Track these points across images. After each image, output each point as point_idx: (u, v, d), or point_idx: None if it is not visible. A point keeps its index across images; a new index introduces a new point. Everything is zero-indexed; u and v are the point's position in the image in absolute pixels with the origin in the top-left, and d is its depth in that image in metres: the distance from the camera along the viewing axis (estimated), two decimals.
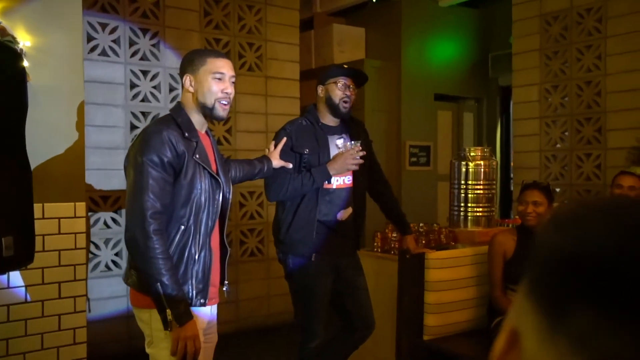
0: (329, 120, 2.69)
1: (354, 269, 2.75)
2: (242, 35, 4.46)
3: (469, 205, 3.56)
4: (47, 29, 2.77)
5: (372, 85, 5.77)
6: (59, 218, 2.81)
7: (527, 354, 0.40)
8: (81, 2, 2.90)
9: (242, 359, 3.82)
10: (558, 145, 4.47)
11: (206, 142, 2.05)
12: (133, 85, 3.97)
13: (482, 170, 3.55)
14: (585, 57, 4.25)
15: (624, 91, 4.04)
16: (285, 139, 2.58)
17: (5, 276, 2.65)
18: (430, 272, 2.97)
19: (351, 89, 2.66)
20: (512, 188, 5.72)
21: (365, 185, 2.77)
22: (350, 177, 2.68)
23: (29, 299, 2.74)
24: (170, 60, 4.04)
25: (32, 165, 2.26)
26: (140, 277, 1.87)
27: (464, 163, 3.56)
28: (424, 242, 3.22)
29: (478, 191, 3.55)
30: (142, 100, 4.00)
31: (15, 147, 1.91)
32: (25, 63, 2.55)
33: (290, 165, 2.55)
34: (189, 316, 1.84)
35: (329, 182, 2.61)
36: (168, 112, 2.05)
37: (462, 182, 3.57)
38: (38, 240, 2.49)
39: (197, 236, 1.95)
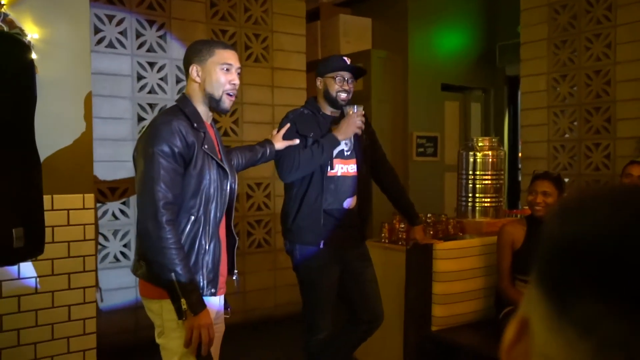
0: (329, 111, 2.70)
1: (362, 261, 2.74)
2: (248, 26, 4.44)
3: (477, 195, 3.55)
4: (55, 21, 2.77)
5: (379, 75, 5.75)
6: (68, 209, 2.83)
7: (536, 341, 0.40)
8: None
9: (249, 350, 3.84)
10: (566, 135, 4.45)
11: (211, 133, 2.06)
12: (140, 77, 3.98)
13: (490, 160, 3.53)
14: (594, 45, 4.21)
15: (634, 80, 4.00)
16: (288, 124, 2.59)
17: (15, 267, 2.67)
18: (437, 262, 2.97)
19: (349, 82, 2.65)
20: (520, 178, 5.69)
21: (369, 174, 2.77)
22: (355, 166, 2.68)
23: (39, 289, 2.76)
24: (177, 51, 4.04)
25: (41, 157, 2.27)
26: (152, 268, 1.88)
27: (471, 153, 3.55)
28: (431, 232, 3.22)
29: (486, 181, 3.54)
30: (149, 92, 4.01)
31: (25, 139, 1.92)
32: (34, 55, 2.56)
33: (297, 141, 2.55)
34: (203, 305, 1.85)
35: (333, 169, 2.62)
36: (174, 103, 2.06)
37: (470, 172, 3.56)
38: (48, 232, 2.50)
39: (207, 227, 1.96)
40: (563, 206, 0.42)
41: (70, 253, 2.83)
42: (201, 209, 1.94)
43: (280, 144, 2.55)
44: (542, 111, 4.55)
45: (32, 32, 2.67)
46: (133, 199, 3.91)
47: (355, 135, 2.68)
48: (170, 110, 2.00)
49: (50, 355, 2.78)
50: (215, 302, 2.04)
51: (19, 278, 2.71)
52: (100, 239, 3.83)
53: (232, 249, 2.15)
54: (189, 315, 1.82)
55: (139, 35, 3.95)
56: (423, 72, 5.95)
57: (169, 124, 1.88)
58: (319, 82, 2.70)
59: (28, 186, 1.91)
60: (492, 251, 3.06)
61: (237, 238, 2.17)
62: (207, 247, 1.96)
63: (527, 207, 3.13)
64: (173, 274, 1.80)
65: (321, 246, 2.60)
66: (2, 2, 2.57)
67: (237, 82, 2.02)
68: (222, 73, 1.98)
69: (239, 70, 2.04)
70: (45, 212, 2.34)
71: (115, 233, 3.90)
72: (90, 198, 2.90)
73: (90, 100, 2.94)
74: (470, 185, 3.56)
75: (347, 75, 2.65)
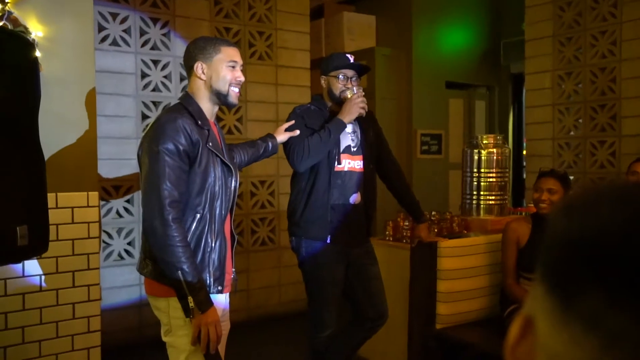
0: (335, 107, 2.68)
1: (367, 258, 2.74)
2: (253, 24, 4.44)
3: (482, 193, 3.54)
4: (59, 19, 2.77)
5: (383, 73, 5.74)
6: (72, 207, 2.83)
7: (541, 338, 0.41)
8: None
9: (253, 348, 3.84)
10: (571, 133, 4.43)
11: (215, 131, 2.06)
12: (144, 75, 3.98)
13: (495, 158, 3.52)
14: (599, 43, 4.19)
15: (639, 77, 3.98)
16: (293, 121, 2.59)
17: (20, 265, 2.68)
18: (442, 260, 2.96)
19: (352, 81, 2.63)
20: (524, 176, 5.68)
21: (374, 171, 2.77)
22: (361, 162, 2.68)
23: (44, 287, 2.76)
24: (181, 49, 4.03)
25: (45, 155, 2.27)
26: (158, 266, 1.87)
27: (476, 151, 3.54)
28: (435, 230, 3.21)
29: (490, 179, 3.53)
30: (153, 90, 4.01)
31: (29, 137, 1.92)
32: (38, 53, 2.56)
33: (298, 132, 2.54)
34: (210, 303, 1.85)
35: (341, 164, 2.61)
36: (177, 101, 2.06)
37: (475, 170, 3.55)
38: (52, 230, 2.50)
39: (213, 224, 1.96)
40: (567, 203, 0.43)
41: (75, 251, 2.83)
42: (206, 206, 1.94)
43: (282, 136, 2.54)
44: (547, 109, 4.53)
45: (36, 30, 2.68)
46: (137, 197, 3.91)
47: (363, 132, 2.68)
48: (174, 108, 2.00)
49: (55, 353, 2.79)
50: (221, 300, 2.04)
51: (23, 276, 2.71)
52: (105, 237, 3.83)
53: (232, 248, 2.15)
54: (196, 312, 1.82)
55: (143, 33, 3.95)
56: (427, 70, 5.93)
57: (174, 122, 1.87)
58: (323, 81, 2.68)
59: (32, 184, 1.91)
60: (497, 249, 3.05)
61: (236, 236, 2.17)
62: (213, 245, 1.96)
63: (532, 205, 3.12)
64: (180, 272, 1.80)
65: (328, 241, 2.59)
66: (7, 0, 2.57)
67: (242, 78, 2.04)
68: (228, 70, 2.00)
69: (242, 67, 2.07)
70: (49, 210, 2.34)
71: (119, 231, 3.90)
72: (94, 196, 2.90)
73: (94, 98, 2.94)
74: (475, 182, 3.55)
75: (350, 73, 2.63)
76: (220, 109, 2.33)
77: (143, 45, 3.95)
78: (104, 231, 3.82)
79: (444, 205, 5.63)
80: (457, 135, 6.31)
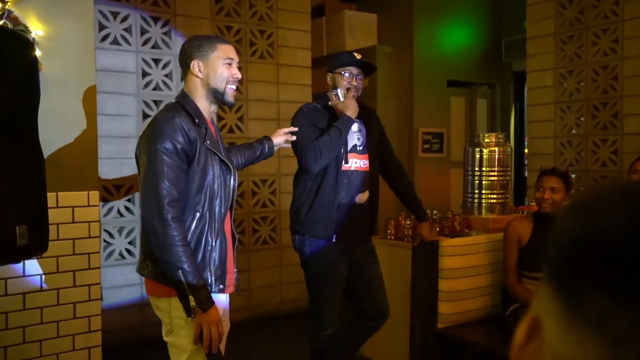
0: None
1: (369, 257, 2.74)
2: (254, 22, 4.43)
3: (483, 192, 3.54)
4: (59, 18, 2.76)
5: (384, 71, 5.73)
6: (73, 207, 2.82)
7: (548, 339, 0.40)
8: None
9: (254, 347, 3.84)
10: (573, 131, 4.42)
11: (212, 130, 2.06)
12: (145, 74, 3.97)
13: (497, 156, 3.51)
14: (601, 40, 4.18)
15: None
16: (297, 128, 2.59)
17: (20, 265, 2.68)
18: (443, 259, 2.96)
19: (358, 79, 2.64)
20: (526, 175, 5.67)
21: (378, 170, 2.77)
22: (367, 161, 2.69)
23: (44, 287, 2.76)
24: None
25: (45, 155, 2.26)
26: (158, 267, 1.87)
27: (477, 149, 3.53)
28: (437, 229, 3.20)
29: (492, 178, 3.52)
30: (154, 89, 4.00)
31: (28, 136, 1.91)
32: (38, 52, 2.55)
33: (294, 138, 2.54)
34: (212, 301, 1.84)
35: (347, 163, 2.62)
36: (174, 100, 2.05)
37: (476, 168, 3.54)
38: (52, 229, 2.50)
39: (213, 223, 1.95)
40: (572, 203, 0.43)
41: (75, 250, 2.83)
42: (206, 205, 1.93)
43: (278, 139, 2.53)
44: (549, 107, 4.52)
45: (36, 29, 2.67)
46: (138, 196, 3.91)
47: (367, 131, 2.69)
48: (171, 107, 1.99)
49: (56, 352, 2.78)
50: (222, 299, 2.03)
51: (24, 276, 2.71)
52: (106, 236, 3.83)
53: (233, 247, 2.14)
54: (197, 312, 1.81)
55: (143, 31, 3.95)
56: (429, 68, 5.92)
57: (171, 121, 1.87)
58: (329, 78, 2.70)
59: (32, 183, 1.90)
60: (499, 248, 3.04)
61: (237, 236, 2.16)
62: (213, 244, 1.95)
63: (533, 204, 3.11)
64: (180, 272, 1.79)
65: (333, 240, 2.59)
66: None
67: (239, 75, 2.04)
68: (225, 67, 1.99)
69: (239, 64, 2.07)
70: (49, 210, 2.33)
71: (120, 230, 3.90)
72: (95, 195, 2.90)
73: (95, 97, 2.93)
74: (477, 181, 3.54)
75: (355, 71, 2.64)
76: (221, 108, 2.33)
77: (144, 44, 3.94)
78: (105, 230, 3.82)
79: (445, 204, 5.62)
80: (459, 133, 6.29)
